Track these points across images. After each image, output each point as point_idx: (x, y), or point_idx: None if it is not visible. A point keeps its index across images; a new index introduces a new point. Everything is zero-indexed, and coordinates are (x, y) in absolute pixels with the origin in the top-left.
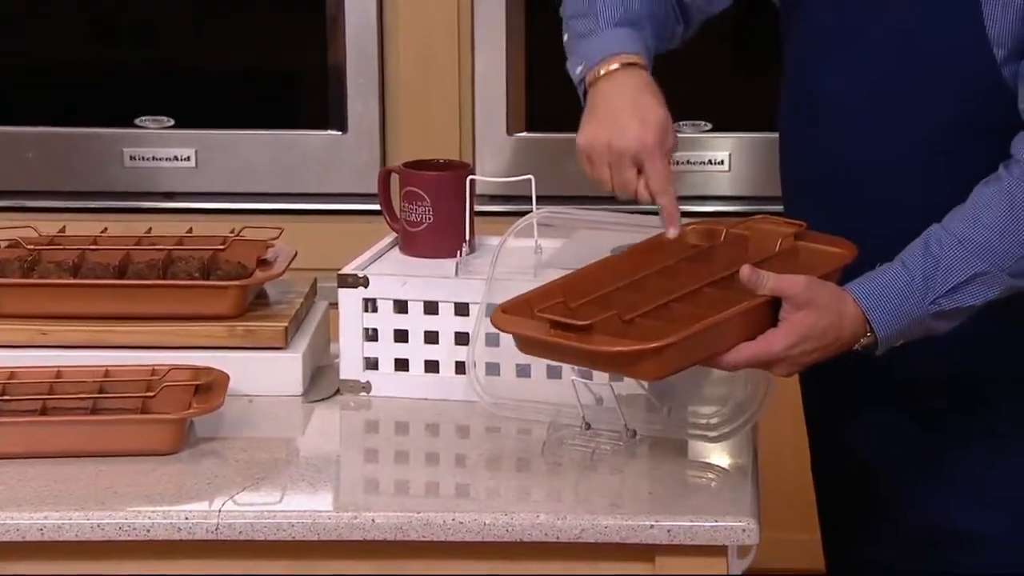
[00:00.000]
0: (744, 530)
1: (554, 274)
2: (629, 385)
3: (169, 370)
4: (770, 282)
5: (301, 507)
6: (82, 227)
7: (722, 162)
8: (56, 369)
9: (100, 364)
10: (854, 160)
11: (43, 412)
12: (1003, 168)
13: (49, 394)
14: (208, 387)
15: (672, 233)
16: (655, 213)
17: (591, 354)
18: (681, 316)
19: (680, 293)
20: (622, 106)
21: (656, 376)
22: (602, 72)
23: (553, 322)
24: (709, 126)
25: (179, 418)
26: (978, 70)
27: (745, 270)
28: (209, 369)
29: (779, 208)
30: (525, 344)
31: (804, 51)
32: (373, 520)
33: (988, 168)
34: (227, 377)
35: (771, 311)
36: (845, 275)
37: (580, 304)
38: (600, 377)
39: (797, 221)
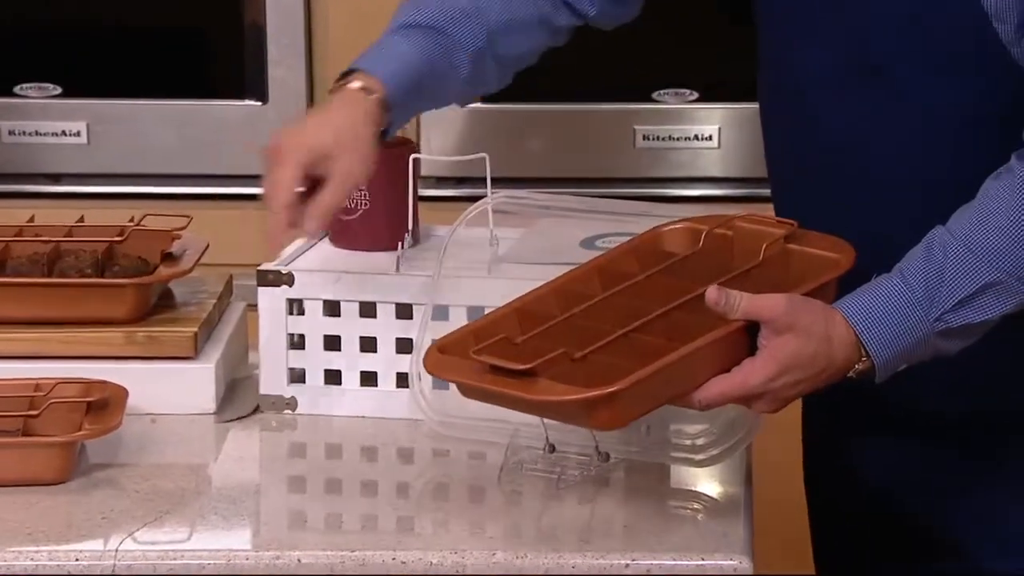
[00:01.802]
0: (735, 570)
1: (513, 269)
2: None
3: (55, 384)
4: (743, 304)
5: (214, 545)
6: None
7: (710, 137)
8: None
9: None
10: (845, 148)
11: None
12: (1015, 159)
13: None
14: (103, 404)
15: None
16: (631, 198)
17: (534, 404)
18: (643, 349)
19: (642, 320)
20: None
21: (614, 426)
22: (333, 85)
23: (491, 365)
24: (695, 95)
25: (67, 441)
26: (981, 48)
27: (712, 292)
28: (104, 383)
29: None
30: (465, 391)
31: (786, 29)
32: (299, 560)
33: (999, 158)
34: (125, 392)
35: (749, 337)
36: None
37: (528, 338)
38: None
39: (787, 220)
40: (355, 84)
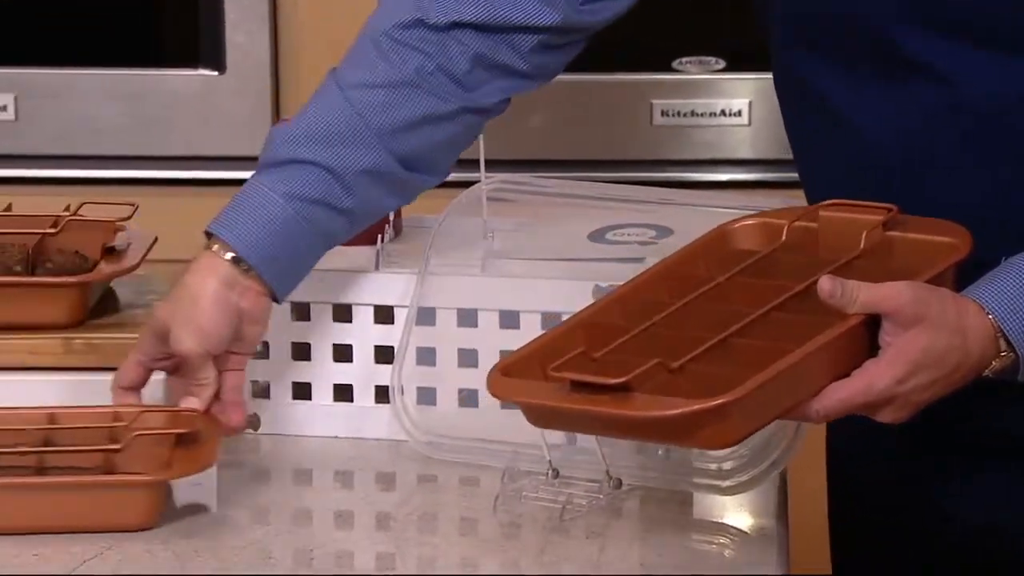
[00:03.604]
0: None
1: (511, 266)
2: None
3: (139, 414)
4: (862, 295)
5: None
6: None
7: (739, 112)
8: None
9: (39, 407)
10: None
11: None
12: None
13: None
14: (192, 437)
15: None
16: (647, 183)
17: (633, 422)
18: (746, 356)
19: (741, 323)
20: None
21: (724, 444)
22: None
23: (575, 382)
24: (722, 64)
25: (157, 481)
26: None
27: (825, 283)
28: (192, 412)
29: None
30: (537, 415)
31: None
32: None
33: None
34: (219, 423)
35: (868, 336)
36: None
37: (606, 352)
38: None
39: (882, 204)
40: (213, 246)
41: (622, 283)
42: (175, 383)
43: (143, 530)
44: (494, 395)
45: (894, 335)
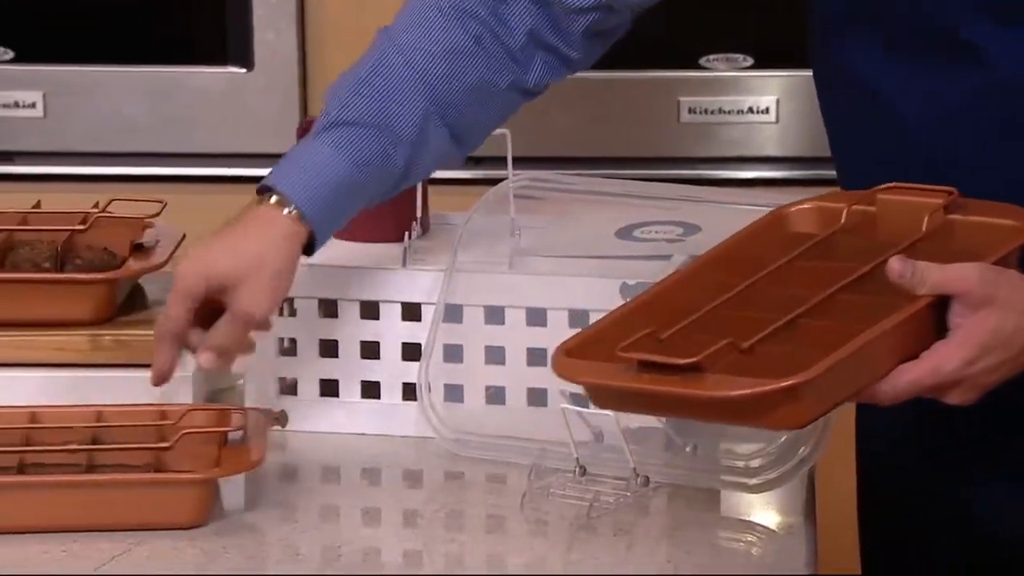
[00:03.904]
0: None
1: (538, 264)
2: (639, 416)
3: (186, 412)
4: (932, 276)
5: None
6: None
7: (767, 110)
8: (30, 411)
9: (87, 405)
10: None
11: (20, 470)
12: None
13: (25, 445)
14: (239, 435)
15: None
16: (675, 181)
17: (704, 402)
18: (816, 337)
19: (808, 304)
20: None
21: (795, 425)
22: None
23: (643, 362)
24: (750, 61)
25: (207, 479)
26: None
27: (896, 263)
28: (241, 410)
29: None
30: (604, 397)
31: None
32: None
33: None
34: (265, 421)
35: (935, 317)
36: None
37: (672, 334)
38: None
39: (941, 188)
40: (272, 199)
41: (674, 271)
42: (195, 333)
43: (192, 528)
44: (559, 375)
45: (963, 316)
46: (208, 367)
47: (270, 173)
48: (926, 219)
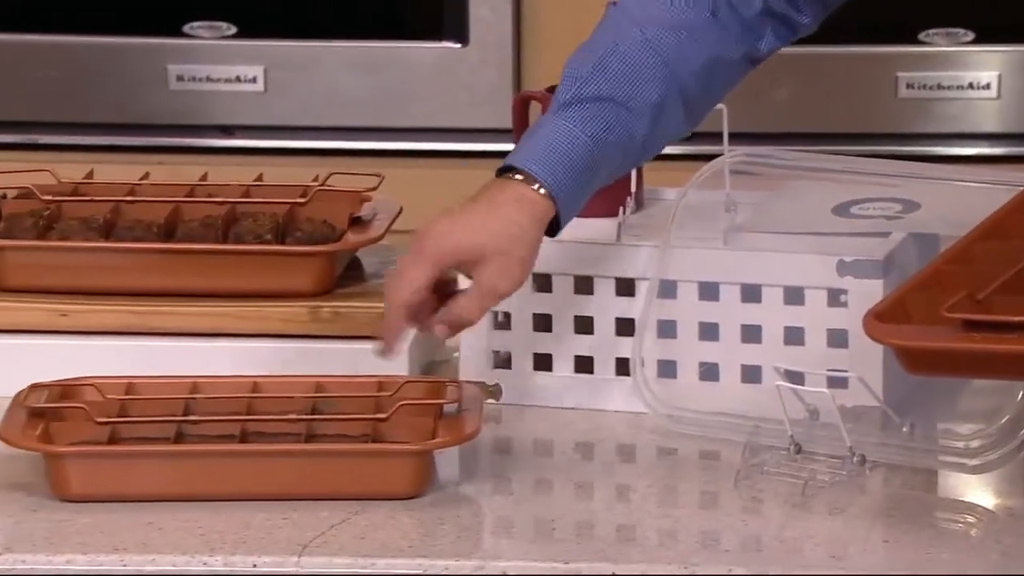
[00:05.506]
0: None
1: (753, 240)
2: (855, 394)
3: (403, 384)
4: None
5: (396, 555)
6: (115, 171)
7: (988, 85)
8: (253, 380)
9: (307, 375)
10: None
11: (242, 439)
12: None
13: (248, 414)
14: (455, 407)
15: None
16: (892, 157)
17: None
18: None
19: None
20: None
21: None
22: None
23: (967, 322)
24: (971, 36)
25: (423, 450)
26: None
27: None
28: (456, 383)
29: None
30: (920, 361)
31: None
32: (505, 572)
33: None
34: (481, 394)
35: None
36: None
37: (989, 293)
38: (815, 382)
39: None
40: (517, 176)
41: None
42: (424, 303)
43: (410, 498)
44: (873, 338)
45: None
46: (442, 338)
47: (512, 152)
48: None
